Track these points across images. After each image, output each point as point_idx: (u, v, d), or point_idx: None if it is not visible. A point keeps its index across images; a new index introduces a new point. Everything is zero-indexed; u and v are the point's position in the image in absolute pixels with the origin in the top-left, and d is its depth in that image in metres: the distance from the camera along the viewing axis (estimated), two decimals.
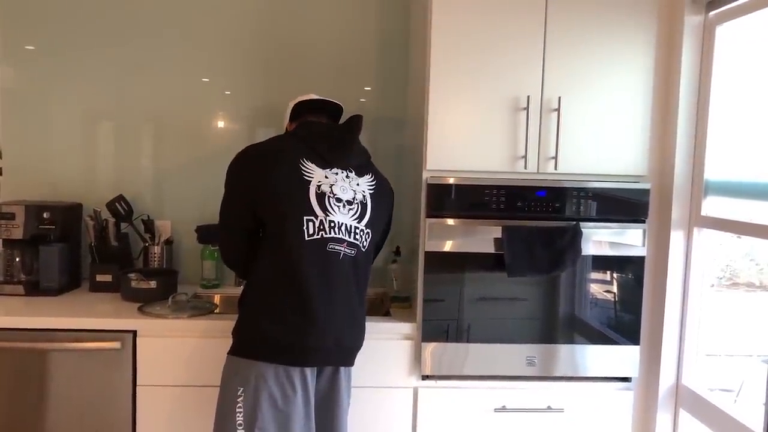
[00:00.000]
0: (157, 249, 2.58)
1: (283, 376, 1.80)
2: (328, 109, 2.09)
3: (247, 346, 1.84)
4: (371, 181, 1.98)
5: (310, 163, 1.86)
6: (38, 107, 2.65)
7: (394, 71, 2.71)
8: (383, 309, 2.49)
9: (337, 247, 1.84)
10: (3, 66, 2.63)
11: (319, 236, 1.82)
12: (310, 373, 1.84)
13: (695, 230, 2.24)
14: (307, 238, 1.80)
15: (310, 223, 1.81)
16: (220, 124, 2.73)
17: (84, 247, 2.58)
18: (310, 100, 2.08)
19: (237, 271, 2.17)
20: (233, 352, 1.86)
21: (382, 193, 2.01)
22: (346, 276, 1.86)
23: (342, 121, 2.08)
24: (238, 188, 1.89)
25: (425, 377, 2.21)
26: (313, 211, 1.82)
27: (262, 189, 1.83)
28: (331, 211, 1.84)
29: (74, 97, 2.66)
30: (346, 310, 1.87)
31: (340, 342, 1.87)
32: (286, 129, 2.12)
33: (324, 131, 1.97)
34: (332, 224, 1.83)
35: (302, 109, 2.07)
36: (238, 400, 1.79)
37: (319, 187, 1.84)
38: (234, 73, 2.69)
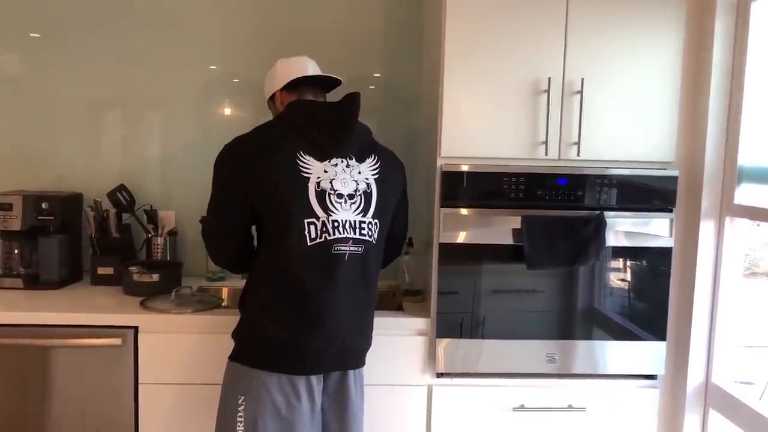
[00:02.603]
0: (160, 240, 2.49)
1: (287, 384, 1.70)
2: (323, 80, 1.90)
3: (249, 352, 1.74)
4: (374, 165, 1.80)
5: (307, 156, 1.70)
6: (42, 95, 2.56)
7: (406, 53, 2.60)
8: (395, 303, 2.39)
9: (342, 248, 1.71)
10: (8, 53, 2.55)
11: (323, 239, 1.69)
12: (315, 378, 1.74)
13: (727, 219, 2.11)
14: (309, 244, 1.68)
15: (312, 227, 1.68)
16: (227, 111, 2.63)
17: (85, 239, 2.49)
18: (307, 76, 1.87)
19: (233, 270, 2.02)
20: (234, 357, 1.76)
21: (389, 174, 1.83)
22: (353, 276, 1.74)
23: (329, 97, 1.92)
24: (233, 184, 1.72)
25: (440, 375, 2.11)
26: (314, 212, 1.68)
27: (260, 187, 1.68)
28: (333, 209, 1.70)
29: (78, 85, 2.56)
30: (354, 313, 1.77)
31: (347, 345, 1.77)
32: (274, 98, 1.91)
33: (320, 115, 1.77)
34: (335, 224, 1.70)
35: (296, 81, 1.86)
36: (239, 409, 1.70)
37: (318, 184, 1.70)
38: (242, 60, 2.59)
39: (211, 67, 2.59)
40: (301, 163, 1.70)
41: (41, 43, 2.55)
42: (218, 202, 1.77)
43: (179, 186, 2.61)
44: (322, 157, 1.72)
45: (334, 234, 1.70)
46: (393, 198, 1.85)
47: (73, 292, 2.31)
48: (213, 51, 2.58)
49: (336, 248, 1.70)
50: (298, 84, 1.86)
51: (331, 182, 1.71)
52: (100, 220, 2.42)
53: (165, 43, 2.57)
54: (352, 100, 1.79)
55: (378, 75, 2.62)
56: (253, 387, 1.69)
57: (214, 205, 1.78)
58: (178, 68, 2.58)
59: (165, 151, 2.62)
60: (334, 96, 1.89)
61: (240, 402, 1.70)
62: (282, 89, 1.87)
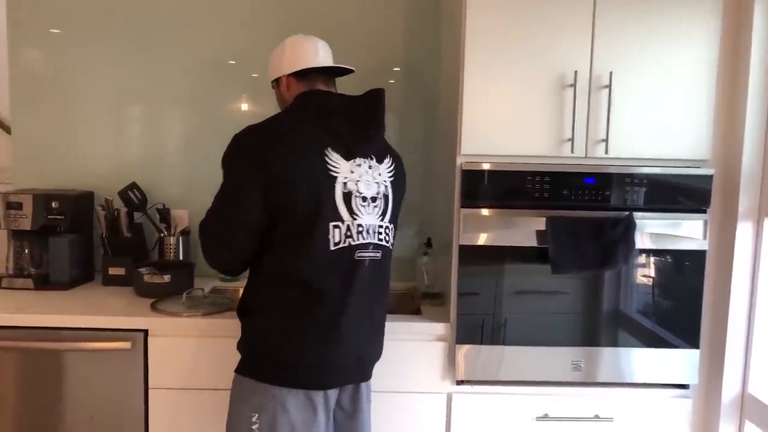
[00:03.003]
0: (172, 240, 2.43)
1: (305, 400, 1.60)
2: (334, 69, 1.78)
3: (262, 367, 1.62)
4: (390, 167, 1.72)
5: (335, 155, 1.59)
6: (60, 91, 2.51)
7: (424, 47, 2.50)
8: (413, 306, 2.30)
9: (364, 254, 1.62)
10: (29, 48, 2.51)
11: (346, 244, 1.59)
12: (332, 392, 1.66)
13: (766, 221, 2.00)
14: (332, 248, 1.57)
15: (336, 230, 1.58)
16: (244, 107, 2.56)
17: (96, 239, 2.44)
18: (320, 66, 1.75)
19: (229, 274, 1.79)
20: (243, 371, 1.65)
21: (399, 177, 1.75)
22: (371, 283, 1.65)
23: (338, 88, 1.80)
24: (248, 178, 1.56)
25: (459, 382, 2.02)
26: (340, 215, 1.58)
27: (280, 183, 1.54)
28: (358, 213, 1.60)
29: (96, 81, 2.51)
30: (370, 322, 1.69)
31: (362, 358, 1.69)
32: (279, 81, 1.77)
33: (346, 111, 1.65)
34: (360, 229, 1.60)
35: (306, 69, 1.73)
36: (253, 427, 1.60)
37: (345, 185, 1.59)
38: (261, 55, 2.50)
39: (230, 62, 2.52)
40: (329, 161, 1.59)
41: (61, 38, 2.50)
42: (229, 198, 1.60)
43: (192, 184, 2.54)
44: (348, 155, 1.62)
45: (357, 239, 1.60)
46: (400, 202, 1.77)
47: (83, 293, 2.26)
48: (232, 46, 2.51)
49: (358, 254, 1.61)
50: (309, 71, 1.74)
51: (357, 184, 1.61)
52: (111, 220, 2.36)
53: (183, 40, 2.50)
54: (379, 96, 1.69)
55: (397, 69, 2.53)
56: (269, 405, 1.59)
57: (222, 201, 1.62)
58: (195, 63, 2.52)
59: (178, 148, 2.56)
60: (343, 86, 1.81)
61: (254, 420, 1.60)
62: (290, 75, 1.74)
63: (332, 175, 1.58)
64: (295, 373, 1.60)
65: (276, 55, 1.80)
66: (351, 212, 1.60)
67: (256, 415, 1.60)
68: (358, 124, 1.65)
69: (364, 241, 1.61)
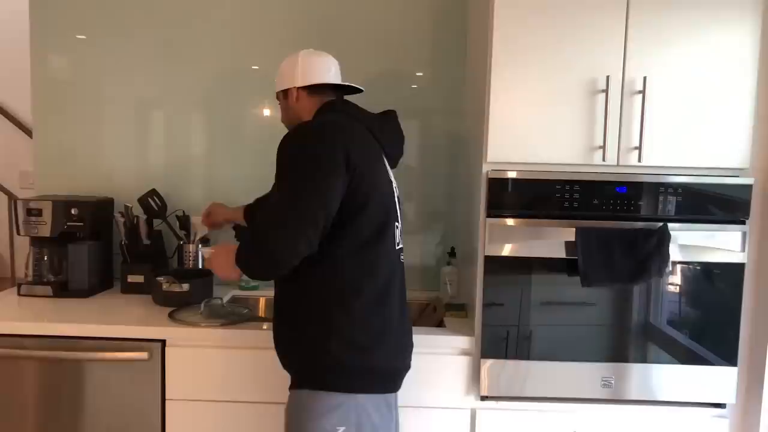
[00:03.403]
0: (192, 248, 2.39)
1: (383, 405, 1.61)
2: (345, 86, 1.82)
3: (343, 375, 1.56)
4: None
5: (385, 160, 1.72)
6: (84, 97, 2.50)
7: (449, 52, 2.45)
8: (436, 318, 2.24)
9: (402, 256, 1.73)
10: (52, 54, 2.49)
11: (399, 246, 1.70)
12: (395, 395, 1.69)
13: None
14: (396, 248, 1.68)
15: (397, 231, 1.68)
16: (266, 113, 2.52)
17: (116, 246, 2.41)
18: (338, 84, 1.80)
19: (278, 274, 1.59)
20: (317, 385, 1.56)
21: None
22: (404, 285, 1.74)
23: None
24: (336, 163, 1.51)
25: (484, 398, 1.95)
26: (397, 216, 1.69)
27: (364, 178, 1.54)
28: (400, 216, 1.72)
29: (118, 88, 2.49)
30: (409, 323, 1.76)
31: (410, 358, 1.74)
32: (288, 93, 1.77)
33: (382, 125, 1.74)
34: (401, 231, 1.71)
35: (322, 86, 1.76)
36: None
37: (396, 188, 1.73)
38: (283, 60, 2.48)
39: (254, 67, 2.48)
40: (386, 165, 1.72)
41: (87, 44, 2.49)
42: (309, 187, 1.50)
43: (213, 191, 2.51)
44: (389, 164, 1.75)
45: (401, 242, 1.72)
46: None
47: (102, 301, 2.24)
48: (254, 51, 2.48)
49: (402, 256, 1.72)
50: (322, 86, 1.76)
51: (396, 188, 1.74)
52: (130, 227, 2.34)
53: (208, 44, 2.47)
54: (396, 117, 1.80)
55: (421, 74, 2.47)
56: (353, 415, 1.55)
57: (299, 191, 1.50)
58: (218, 70, 2.49)
59: (199, 155, 2.53)
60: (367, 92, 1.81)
61: None
62: (302, 88, 1.76)
63: (389, 179, 1.70)
64: (381, 378, 1.61)
65: (288, 66, 1.80)
66: (400, 215, 1.72)
67: (343, 428, 1.55)
68: (394, 137, 1.77)
69: (402, 244, 1.72)
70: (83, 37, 2.48)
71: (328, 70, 1.78)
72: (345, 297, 1.56)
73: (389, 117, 1.78)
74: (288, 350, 1.64)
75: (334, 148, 1.53)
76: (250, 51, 2.48)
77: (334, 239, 1.54)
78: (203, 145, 2.53)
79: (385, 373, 1.62)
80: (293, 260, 1.51)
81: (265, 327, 1.97)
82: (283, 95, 1.80)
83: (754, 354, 2.00)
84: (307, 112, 1.74)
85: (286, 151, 1.56)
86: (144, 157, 2.53)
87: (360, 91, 1.83)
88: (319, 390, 1.56)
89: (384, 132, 1.73)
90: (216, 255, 1.73)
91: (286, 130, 1.70)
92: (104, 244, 2.36)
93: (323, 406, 1.55)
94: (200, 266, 2.40)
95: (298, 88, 1.75)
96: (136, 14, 2.47)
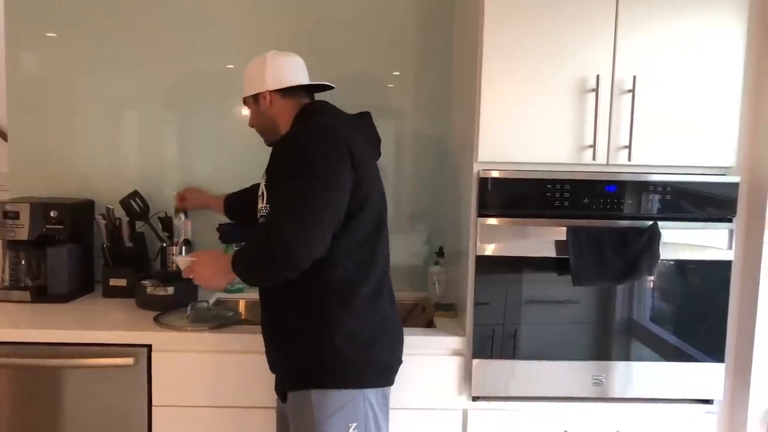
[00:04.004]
0: (175, 250, 2.34)
1: (382, 398, 1.62)
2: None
3: (349, 372, 1.56)
4: None
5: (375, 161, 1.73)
6: (57, 97, 2.42)
7: (434, 48, 2.42)
8: (425, 318, 2.22)
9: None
10: (26, 53, 2.41)
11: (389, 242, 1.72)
12: (389, 389, 1.69)
13: None
14: (387, 245, 1.69)
15: (386, 229, 1.70)
16: (245, 112, 2.46)
17: (97, 249, 2.35)
18: (311, 84, 1.81)
19: (291, 275, 1.51)
20: (326, 383, 1.55)
21: None
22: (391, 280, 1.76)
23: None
24: (343, 159, 1.51)
25: (476, 398, 1.94)
26: (387, 215, 1.70)
27: (365, 176, 1.56)
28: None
29: (94, 86, 2.42)
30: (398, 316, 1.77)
31: (402, 351, 1.75)
32: (259, 98, 1.76)
33: (362, 127, 1.74)
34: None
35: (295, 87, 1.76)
36: None
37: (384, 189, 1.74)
38: None
39: (229, 66, 2.44)
40: (378, 166, 1.72)
41: (58, 42, 2.41)
42: (320, 184, 1.48)
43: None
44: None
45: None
46: None
47: (83, 305, 2.17)
48: (230, 50, 2.43)
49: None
50: (295, 87, 1.75)
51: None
52: (112, 229, 2.28)
53: (182, 43, 2.42)
54: (370, 117, 1.78)
55: (398, 73, 2.44)
56: (361, 410, 1.55)
57: (311, 189, 1.47)
58: (194, 68, 2.43)
59: (180, 155, 2.48)
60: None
61: (352, 429, 1.54)
62: (275, 91, 1.74)
63: (380, 178, 1.70)
64: (382, 371, 1.62)
65: (255, 70, 1.77)
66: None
67: (354, 424, 1.54)
68: (375, 140, 1.78)
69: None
70: (54, 35, 2.41)
71: (298, 71, 1.78)
72: (344, 294, 1.56)
73: (365, 118, 1.77)
74: (290, 352, 1.60)
75: (341, 147, 1.53)
76: (225, 50, 2.42)
77: (334, 237, 1.52)
78: (181, 145, 2.47)
79: (385, 366, 1.64)
80: (309, 261, 1.48)
81: (253, 330, 1.93)
82: (254, 100, 1.78)
83: (741, 350, 2.03)
84: (282, 114, 1.73)
85: (292, 151, 1.53)
86: (121, 157, 2.45)
87: (331, 87, 1.82)
88: (328, 389, 1.54)
89: (368, 131, 1.75)
90: (201, 264, 1.67)
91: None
92: (84, 247, 2.29)
93: (334, 404, 1.54)
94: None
95: (271, 91, 1.74)
96: (108, 12, 2.39)
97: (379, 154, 1.81)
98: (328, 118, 1.66)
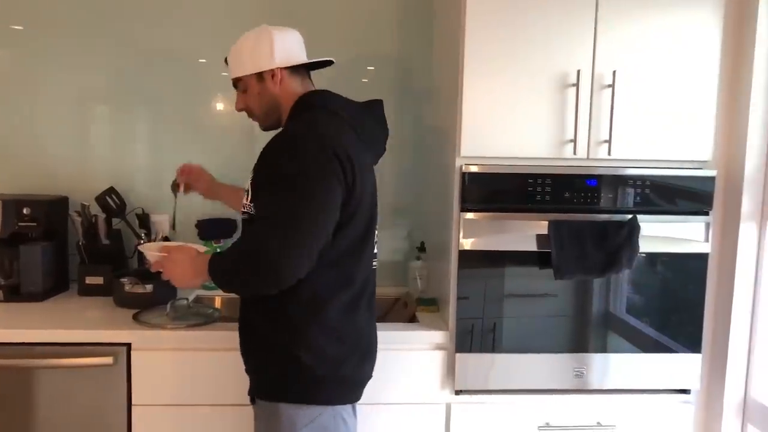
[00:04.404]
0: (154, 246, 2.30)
1: (351, 411, 1.59)
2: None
3: (319, 388, 1.50)
4: None
5: (370, 163, 1.61)
6: (24, 91, 2.36)
7: (415, 40, 2.41)
8: (407, 313, 2.22)
9: (375, 262, 1.65)
10: None
11: (376, 253, 1.64)
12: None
13: None
14: (374, 259, 1.62)
15: (375, 237, 1.61)
16: (219, 107, 2.45)
17: (72, 246, 2.30)
18: (313, 61, 1.66)
19: (277, 289, 1.42)
20: (293, 398, 1.49)
21: None
22: (374, 288, 1.67)
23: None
24: (335, 170, 1.42)
25: (459, 392, 1.95)
26: (376, 224, 1.60)
27: (356, 185, 1.47)
28: (378, 221, 1.63)
29: (63, 80, 2.36)
30: (375, 326, 1.68)
31: (373, 367, 1.68)
32: (264, 76, 1.60)
33: (369, 122, 1.62)
34: (377, 237, 1.64)
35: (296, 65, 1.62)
36: None
37: (376, 194, 1.62)
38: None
39: (201, 60, 2.40)
40: (372, 168, 1.62)
41: (24, 35, 2.35)
42: (308, 196, 1.40)
43: (167, 187, 2.41)
44: (372, 161, 1.65)
45: (376, 248, 1.65)
46: None
47: (58, 304, 2.13)
48: (203, 42, 2.38)
49: (375, 262, 1.64)
50: (300, 66, 1.62)
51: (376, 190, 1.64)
52: (87, 226, 2.23)
53: (153, 37, 2.37)
54: (381, 107, 1.67)
55: (372, 68, 2.43)
56: (330, 424, 1.51)
57: (301, 201, 1.40)
58: (166, 63, 2.38)
59: (156, 150, 2.44)
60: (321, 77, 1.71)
61: None
62: (284, 68, 1.59)
63: (374, 182, 1.60)
64: (352, 387, 1.58)
65: (258, 45, 1.59)
66: (378, 220, 1.62)
67: None
68: (380, 135, 1.67)
69: (377, 249, 1.65)
70: (19, 27, 2.34)
71: (302, 48, 1.65)
72: (318, 307, 1.48)
73: (374, 108, 1.65)
74: (259, 363, 1.56)
75: (333, 159, 1.43)
76: (197, 44, 2.37)
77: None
78: (155, 140, 2.43)
79: (355, 382, 1.59)
80: (294, 280, 1.40)
81: (234, 327, 1.90)
82: (258, 78, 1.61)
83: (717, 341, 2.07)
84: (288, 95, 1.60)
85: (282, 159, 1.43)
86: (93, 153, 2.41)
87: (331, 63, 1.70)
88: (298, 403, 1.49)
89: (366, 129, 1.59)
90: (174, 261, 1.55)
91: (240, 122, 1.63)
92: (59, 245, 2.24)
93: (302, 419, 1.49)
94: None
95: (281, 69, 1.59)
96: (76, 3, 2.33)
97: (384, 151, 1.69)
98: (327, 119, 1.54)
